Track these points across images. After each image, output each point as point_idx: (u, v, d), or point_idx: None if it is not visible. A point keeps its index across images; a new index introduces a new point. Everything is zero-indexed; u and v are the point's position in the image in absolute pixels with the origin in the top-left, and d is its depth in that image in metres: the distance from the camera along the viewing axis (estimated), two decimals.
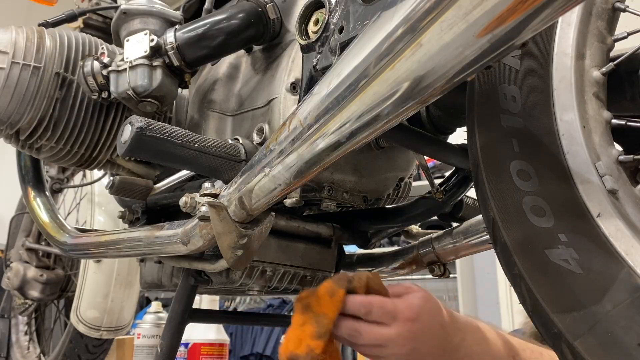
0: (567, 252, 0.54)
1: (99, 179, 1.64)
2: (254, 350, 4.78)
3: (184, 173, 0.97)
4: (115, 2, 1.18)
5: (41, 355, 2.04)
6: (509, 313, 2.73)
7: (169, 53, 0.85)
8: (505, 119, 0.61)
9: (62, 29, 0.99)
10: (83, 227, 1.42)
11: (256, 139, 0.83)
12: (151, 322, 1.51)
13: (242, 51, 0.94)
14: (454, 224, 0.98)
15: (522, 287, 0.54)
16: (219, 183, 0.79)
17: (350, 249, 1.09)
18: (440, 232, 0.99)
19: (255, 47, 0.93)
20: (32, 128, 0.92)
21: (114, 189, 0.93)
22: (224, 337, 1.50)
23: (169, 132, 0.73)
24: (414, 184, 1.05)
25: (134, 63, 0.84)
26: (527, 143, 0.60)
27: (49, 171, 1.70)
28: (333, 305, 0.71)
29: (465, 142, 0.67)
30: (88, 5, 1.17)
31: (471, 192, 0.80)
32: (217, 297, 1.81)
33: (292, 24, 0.83)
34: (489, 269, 2.92)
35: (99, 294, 1.73)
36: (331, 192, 0.82)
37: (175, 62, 0.85)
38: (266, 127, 0.83)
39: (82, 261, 1.78)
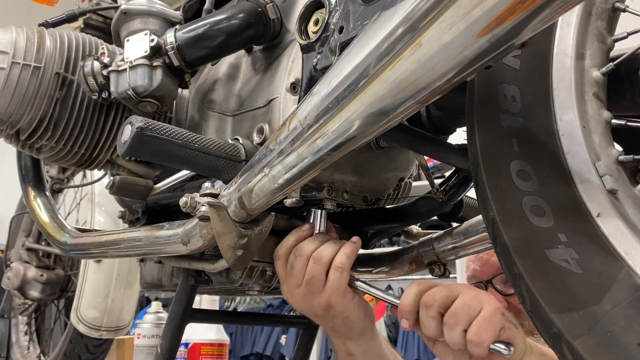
0: (567, 252, 0.54)
1: (99, 179, 1.64)
2: (254, 350, 4.78)
3: (184, 173, 0.97)
4: (116, 2, 1.18)
5: (41, 355, 2.04)
6: None
7: (169, 53, 0.85)
8: (505, 119, 0.61)
9: (63, 29, 0.99)
10: (83, 227, 1.42)
11: (256, 139, 0.83)
12: (151, 322, 1.51)
13: (242, 51, 0.94)
14: (454, 224, 0.98)
15: (522, 286, 0.54)
16: (219, 183, 0.79)
17: None
18: (441, 232, 0.98)
19: (256, 47, 0.93)
20: (32, 128, 0.92)
21: (114, 189, 0.93)
22: (224, 337, 1.50)
23: (168, 132, 0.73)
24: (414, 184, 1.05)
25: (134, 63, 0.84)
26: (527, 143, 0.60)
27: (49, 171, 1.69)
28: None
29: (465, 142, 0.67)
30: (88, 5, 1.17)
31: (471, 192, 0.80)
32: (217, 297, 1.81)
33: (292, 24, 0.83)
34: None
35: (99, 294, 1.73)
36: (331, 192, 0.82)
37: (176, 62, 0.85)
38: (266, 127, 0.83)
39: (82, 261, 1.78)
